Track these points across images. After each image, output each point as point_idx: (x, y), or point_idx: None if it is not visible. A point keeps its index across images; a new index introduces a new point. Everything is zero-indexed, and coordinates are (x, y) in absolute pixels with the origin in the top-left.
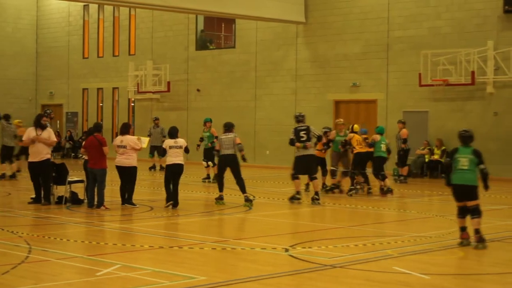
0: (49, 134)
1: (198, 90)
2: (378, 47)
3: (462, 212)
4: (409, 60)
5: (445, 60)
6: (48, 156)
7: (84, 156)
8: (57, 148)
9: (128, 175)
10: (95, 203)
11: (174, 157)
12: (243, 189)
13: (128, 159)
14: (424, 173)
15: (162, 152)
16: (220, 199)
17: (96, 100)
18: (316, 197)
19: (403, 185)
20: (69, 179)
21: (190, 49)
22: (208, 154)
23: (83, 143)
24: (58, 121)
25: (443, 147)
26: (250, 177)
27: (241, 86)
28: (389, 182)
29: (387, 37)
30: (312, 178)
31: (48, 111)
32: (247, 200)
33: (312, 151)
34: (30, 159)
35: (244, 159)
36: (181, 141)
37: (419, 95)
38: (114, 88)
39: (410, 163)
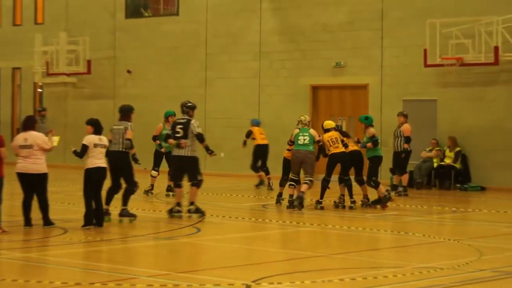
0: None
1: (129, 71)
2: (370, 15)
3: None
4: (411, 31)
5: (459, 32)
6: None
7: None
8: None
9: (36, 186)
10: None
11: (98, 159)
12: (126, 200)
13: (36, 164)
14: (432, 183)
15: (81, 152)
16: (105, 214)
17: None
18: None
19: (403, 199)
20: None
21: (118, 16)
22: (167, 159)
23: None
24: None
25: (457, 148)
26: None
27: (186, 67)
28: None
29: (381, 1)
30: (176, 185)
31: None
32: (124, 214)
33: (189, 152)
34: None
35: (135, 160)
36: (104, 139)
37: (424, 79)
38: (14, 69)
39: (412, 169)
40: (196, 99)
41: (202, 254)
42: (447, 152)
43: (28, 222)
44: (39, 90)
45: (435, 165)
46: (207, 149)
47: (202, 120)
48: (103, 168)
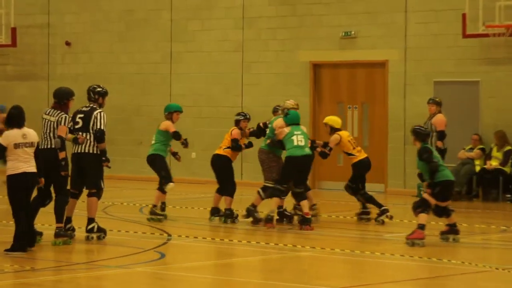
0: None
1: (67, 43)
2: None
3: None
4: None
5: None
6: None
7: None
8: None
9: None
10: None
11: (24, 162)
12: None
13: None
14: (474, 192)
15: None
16: (65, 232)
17: None
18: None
19: (352, 214)
20: None
21: None
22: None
23: None
24: None
25: (508, 147)
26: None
27: (145, 38)
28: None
29: None
30: (73, 195)
31: None
32: (62, 234)
33: (89, 148)
34: None
35: (60, 167)
36: (32, 135)
37: (462, 54)
38: None
39: None
40: (159, 79)
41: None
42: (494, 152)
43: None
44: None
45: (478, 168)
46: (102, 153)
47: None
48: (31, 174)
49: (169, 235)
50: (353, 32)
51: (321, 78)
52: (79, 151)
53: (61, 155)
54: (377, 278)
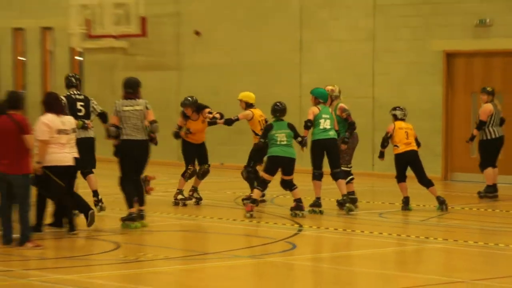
0: None
1: (197, 33)
2: None
3: None
4: None
5: None
6: None
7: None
8: None
9: (71, 179)
10: (15, 236)
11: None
12: (141, 199)
13: (66, 154)
14: None
15: None
16: (130, 219)
17: (11, 51)
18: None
19: (485, 206)
20: None
21: None
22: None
23: None
24: None
25: None
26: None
27: (274, 26)
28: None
29: None
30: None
31: None
32: (141, 216)
33: (92, 133)
34: None
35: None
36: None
37: None
38: (44, 29)
39: None
40: (288, 68)
41: (298, 278)
42: None
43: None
44: (78, 58)
45: None
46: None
47: (297, 97)
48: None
49: (300, 225)
50: (488, 20)
51: (455, 67)
52: (85, 136)
53: (153, 136)
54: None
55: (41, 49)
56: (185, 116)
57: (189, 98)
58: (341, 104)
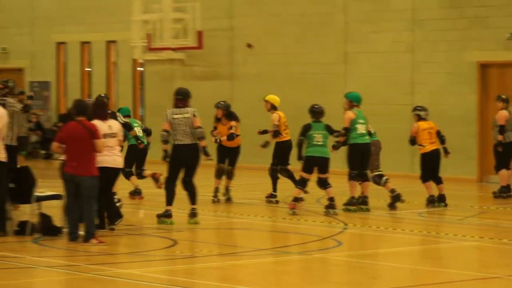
0: None
1: (249, 45)
2: None
3: None
4: None
5: None
6: None
7: (60, 156)
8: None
9: (112, 182)
10: (81, 233)
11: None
12: (193, 198)
13: (116, 157)
14: None
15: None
16: (167, 216)
17: (79, 62)
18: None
19: (501, 206)
20: (38, 193)
21: None
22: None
23: (59, 133)
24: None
25: None
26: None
27: (320, 39)
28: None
29: None
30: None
31: (9, 83)
32: (194, 214)
33: None
34: None
35: (205, 154)
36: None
37: None
38: (109, 42)
39: None
40: (333, 79)
41: (343, 273)
42: None
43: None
44: (140, 69)
45: None
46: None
47: (342, 106)
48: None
49: (345, 224)
50: None
51: (488, 77)
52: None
53: (204, 143)
54: None
55: (105, 61)
56: (217, 119)
57: (222, 102)
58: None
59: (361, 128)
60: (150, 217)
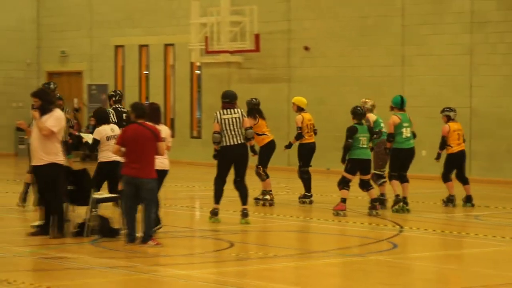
0: (49, 118)
1: (306, 48)
2: None
3: None
4: None
5: None
6: (57, 158)
7: (119, 158)
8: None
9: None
10: (138, 235)
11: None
12: (244, 199)
13: (163, 159)
14: None
15: (92, 146)
16: (214, 214)
17: (138, 65)
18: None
19: None
20: (96, 195)
21: None
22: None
23: (120, 135)
24: (75, 100)
25: None
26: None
27: (378, 42)
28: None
29: None
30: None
31: (51, 85)
32: (245, 214)
33: None
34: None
35: (253, 152)
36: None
37: None
38: (167, 45)
39: None
40: (390, 81)
41: (399, 275)
42: None
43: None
44: (197, 72)
45: None
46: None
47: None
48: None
49: (401, 227)
50: None
51: None
52: None
53: (252, 142)
54: None
55: (163, 64)
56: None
57: (254, 99)
58: (368, 115)
59: (405, 132)
60: (206, 220)
